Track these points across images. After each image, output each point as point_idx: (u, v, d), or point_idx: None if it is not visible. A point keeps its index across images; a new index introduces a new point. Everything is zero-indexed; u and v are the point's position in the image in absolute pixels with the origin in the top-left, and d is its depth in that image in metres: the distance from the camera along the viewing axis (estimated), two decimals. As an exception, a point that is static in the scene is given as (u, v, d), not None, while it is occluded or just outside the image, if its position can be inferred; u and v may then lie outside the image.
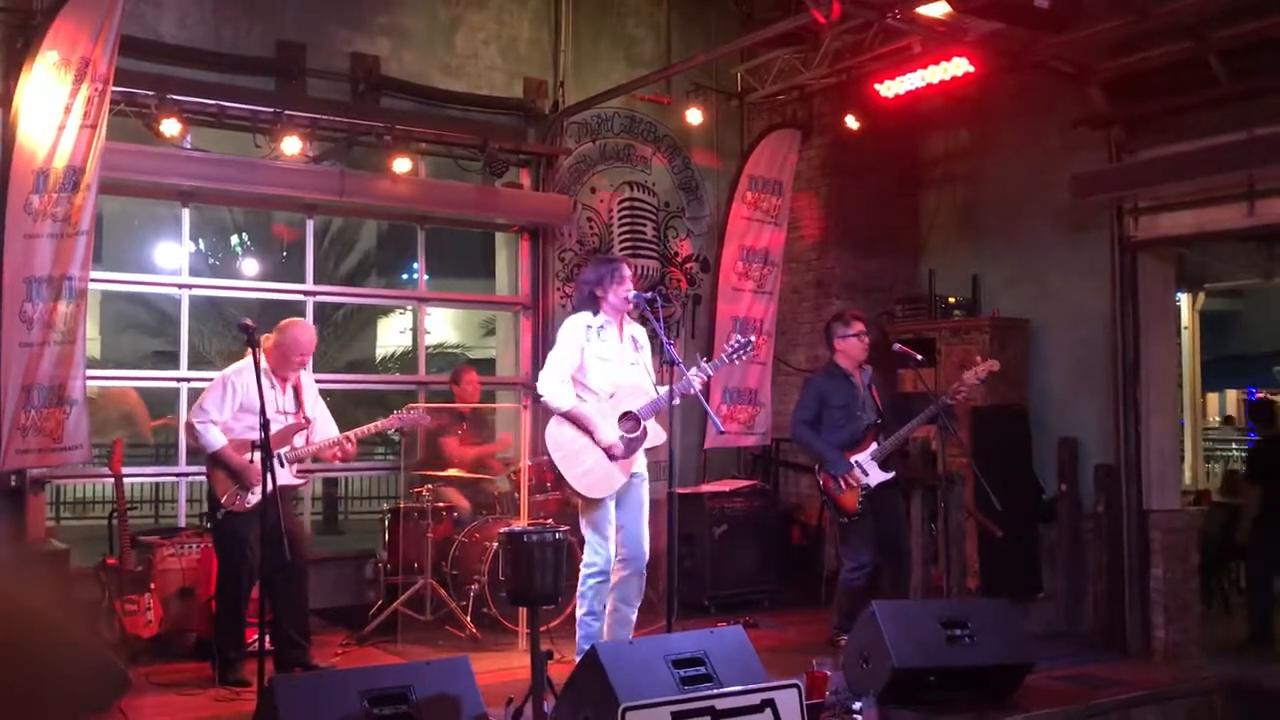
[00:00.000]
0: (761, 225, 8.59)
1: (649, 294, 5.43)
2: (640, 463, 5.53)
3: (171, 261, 15.36)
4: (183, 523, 7.42)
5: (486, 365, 12.41)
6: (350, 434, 5.91)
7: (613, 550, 5.41)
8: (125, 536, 6.23)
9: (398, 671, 4.37)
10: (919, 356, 6.37)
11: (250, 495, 5.59)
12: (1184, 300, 10.98)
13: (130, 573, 6.17)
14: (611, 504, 5.41)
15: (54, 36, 5.76)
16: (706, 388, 6.13)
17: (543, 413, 5.60)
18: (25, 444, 5.81)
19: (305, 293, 8.04)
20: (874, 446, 6.30)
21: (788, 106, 9.02)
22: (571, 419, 5.39)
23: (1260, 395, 16.29)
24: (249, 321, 5.01)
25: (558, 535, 4.63)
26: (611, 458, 5.35)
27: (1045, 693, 5.64)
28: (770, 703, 4.22)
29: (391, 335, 19.68)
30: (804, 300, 9.10)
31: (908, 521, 6.60)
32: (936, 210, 8.92)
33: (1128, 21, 6.64)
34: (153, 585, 6.23)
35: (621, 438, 5.36)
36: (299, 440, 5.81)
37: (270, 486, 4.73)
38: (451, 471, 7.34)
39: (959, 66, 7.15)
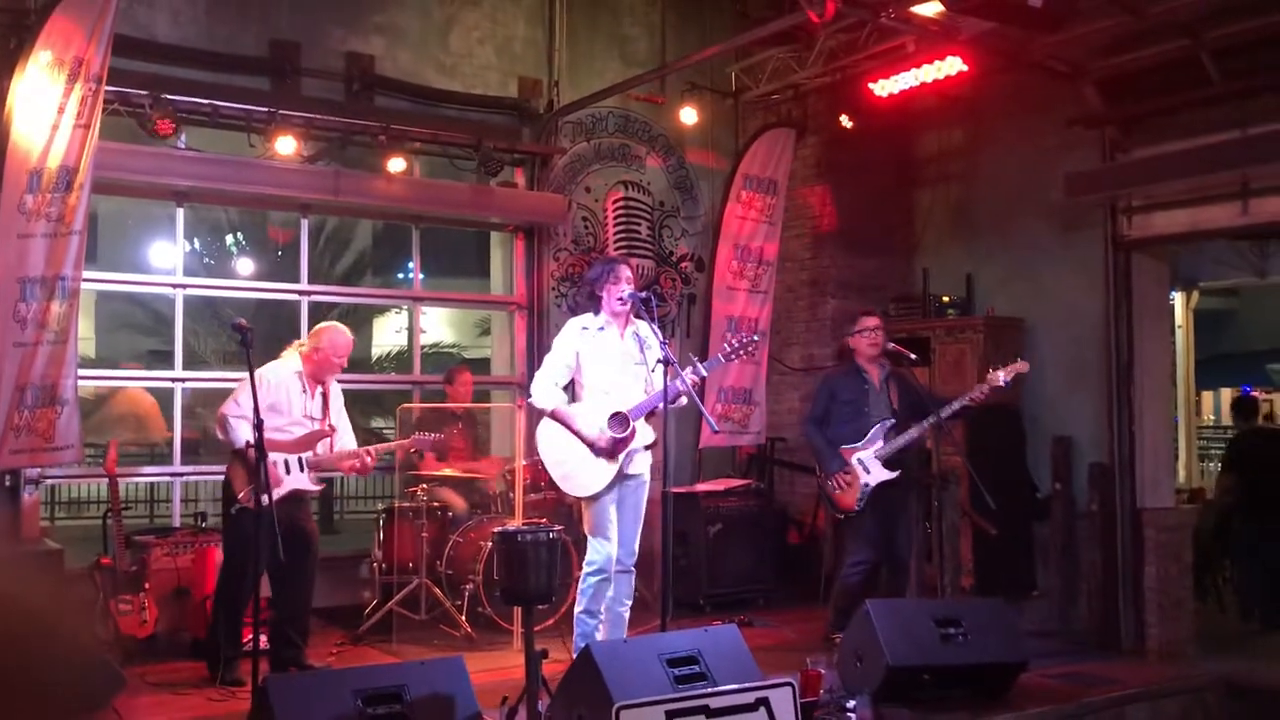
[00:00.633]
0: (756, 224, 8.60)
1: (643, 294, 5.45)
2: (642, 464, 5.53)
3: (166, 261, 15.31)
4: (177, 522, 7.42)
5: (481, 365, 12.41)
6: (370, 449, 5.92)
7: (614, 550, 5.42)
8: (120, 536, 6.23)
9: (392, 671, 4.38)
10: (913, 356, 6.35)
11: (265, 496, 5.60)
12: (1178, 299, 11.01)
13: (125, 573, 6.17)
14: (611, 504, 5.43)
15: (47, 36, 5.75)
16: (701, 387, 6.13)
17: (536, 415, 5.62)
18: (19, 444, 5.80)
19: (300, 292, 8.04)
20: (879, 445, 6.22)
21: (782, 106, 9.03)
22: (555, 419, 5.42)
23: (1253, 393, 16.31)
24: (243, 322, 5.01)
25: (552, 535, 4.64)
26: (596, 450, 5.36)
27: (1039, 691, 5.65)
28: (764, 701, 4.23)
29: (387, 335, 19.67)
30: (799, 299, 9.11)
31: (912, 527, 6.51)
32: (931, 209, 8.93)
33: (1121, 21, 6.65)
34: (147, 585, 6.23)
35: (603, 434, 5.36)
36: (321, 447, 5.82)
37: (280, 489, 4.74)
38: (446, 471, 7.34)
39: (953, 66, 7.16)
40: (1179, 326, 11.00)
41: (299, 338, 7.86)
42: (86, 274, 6.17)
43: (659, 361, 5.26)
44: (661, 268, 9.06)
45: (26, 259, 5.76)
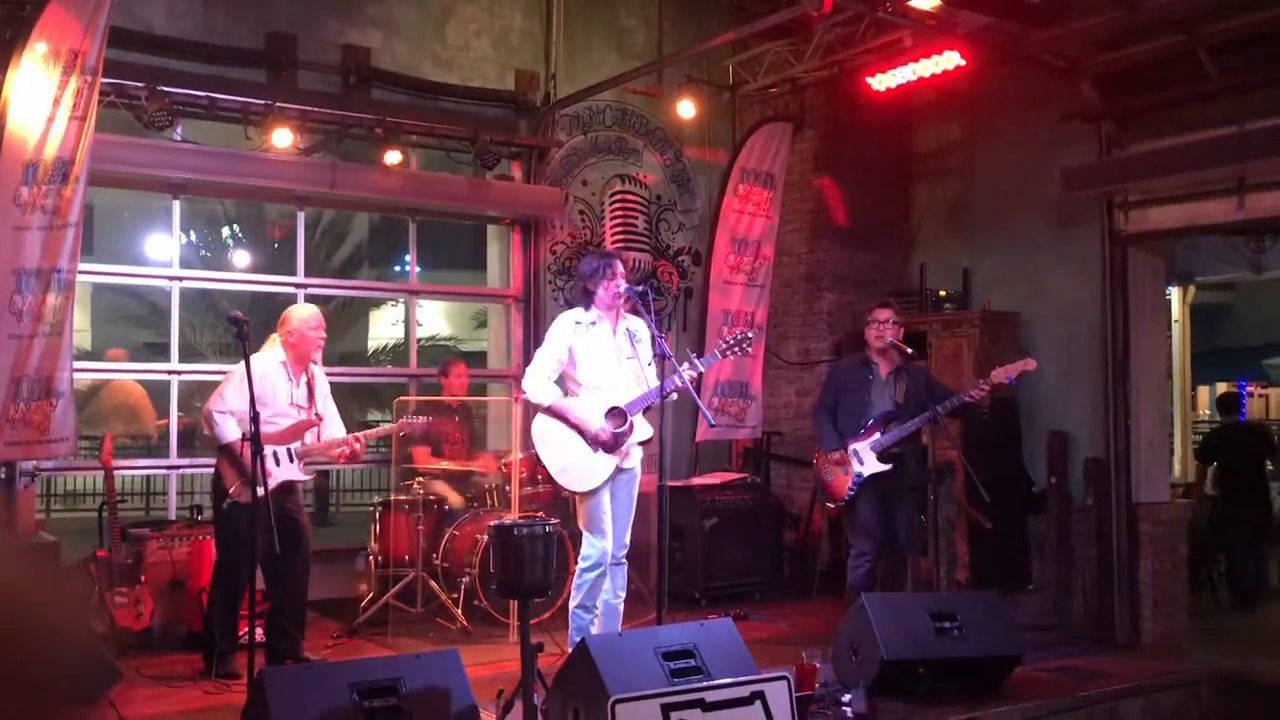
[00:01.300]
0: (753, 218, 8.59)
1: (640, 288, 5.45)
2: (635, 458, 5.54)
3: (162, 253, 15.30)
4: (173, 515, 7.42)
5: (478, 358, 12.40)
6: (359, 435, 5.92)
7: (610, 544, 5.42)
8: (116, 529, 6.23)
9: (388, 664, 4.37)
10: (910, 350, 6.34)
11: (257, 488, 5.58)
12: (1174, 294, 11.00)
13: (121, 565, 6.17)
14: (606, 498, 5.43)
15: (43, 28, 5.72)
16: (698, 382, 6.13)
17: (531, 408, 5.61)
18: (14, 436, 5.79)
19: (297, 285, 8.03)
20: (876, 436, 6.18)
21: (779, 99, 9.02)
22: (553, 414, 5.42)
23: (1247, 388, 16.37)
24: (240, 314, 5.00)
25: (548, 528, 4.63)
26: (598, 445, 5.36)
27: (1034, 684, 5.67)
28: (760, 695, 4.24)
29: (383, 328, 19.66)
30: (795, 293, 9.11)
31: (913, 520, 6.49)
32: (928, 203, 8.93)
33: (1118, 16, 6.66)
34: (143, 578, 6.24)
35: (604, 428, 5.37)
36: (309, 437, 5.81)
37: (271, 480, 4.74)
38: (443, 464, 7.34)
39: (950, 60, 7.16)
40: (1175, 321, 10.99)
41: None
42: (82, 266, 6.15)
43: (656, 356, 5.26)
44: (658, 261, 9.06)
45: (22, 251, 5.74)
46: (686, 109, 8.67)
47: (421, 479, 7.27)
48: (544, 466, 5.60)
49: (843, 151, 8.85)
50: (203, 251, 15.11)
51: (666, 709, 4.03)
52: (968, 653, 5.33)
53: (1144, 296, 7.42)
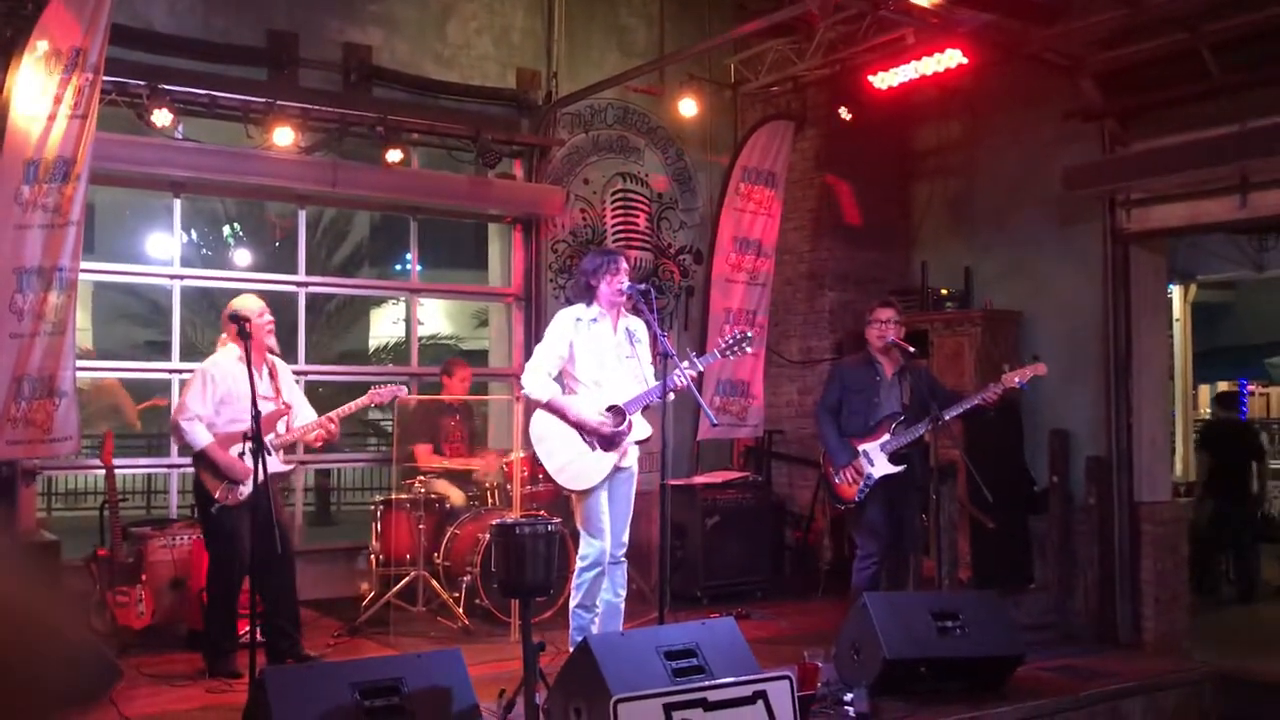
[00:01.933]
0: (755, 216, 8.59)
1: (642, 286, 5.42)
2: (632, 457, 5.53)
3: (163, 252, 15.29)
4: (174, 514, 7.42)
5: (479, 356, 12.40)
6: (331, 414, 5.86)
7: (608, 543, 5.41)
8: (116, 528, 6.22)
9: (389, 663, 4.38)
10: (912, 349, 6.33)
11: (242, 488, 5.56)
12: (1175, 292, 11.00)
13: (122, 564, 6.16)
14: (604, 497, 5.42)
15: (44, 26, 5.72)
16: (699, 380, 6.11)
17: (531, 405, 5.60)
18: (16, 435, 5.79)
19: (298, 283, 8.03)
20: (885, 438, 6.13)
21: (781, 98, 9.01)
22: (552, 410, 5.40)
23: (1248, 387, 16.36)
24: (242, 312, 5.00)
25: (550, 527, 4.63)
26: (597, 438, 5.35)
27: (1036, 683, 5.66)
28: (762, 694, 4.23)
29: (384, 326, 19.67)
30: (797, 292, 9.11)
31: (917, 520, 6.47)
32: (929, 202, 8.92)
33: (1120, 14, 6.65)
34: (144, 576, 6.23)
35: (604, 421, 5.36)
36: (281, 426, 5.79)
37: (262, 477, 4.73)
38: (444, 463, 7.34)
39: (952, 58, 7.14)
40: (1176, 320, 11.00)
41: (296, 329, 7.89)
42: (83, 265, 6.15)
43: (658, 355, 5.24)
44: (659, 260, 9.05)
45: (23, 250, 5.74)
46: (688, 107, 8.66)
47: (423, 478, 7.26)
48: (543, 464, 5.59)
49: (844, 150, 8.84)
50: (204, 250, 15.11)
51: (669, 708, 4.03)
52: (970, 652, 5.33)
53: (1146, 295, 7.41)
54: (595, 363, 5.45)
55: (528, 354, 8.04)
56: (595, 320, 5.50)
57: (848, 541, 8.14)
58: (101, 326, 17.26)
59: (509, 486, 6.93)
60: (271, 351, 5.88)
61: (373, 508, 7.38)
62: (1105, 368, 7.36)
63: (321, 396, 6.62)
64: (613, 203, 8.86)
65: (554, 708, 4.45)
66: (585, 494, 5.40)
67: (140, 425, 13.68)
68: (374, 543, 7.15)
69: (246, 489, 5.51)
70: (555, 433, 5.40)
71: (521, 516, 6.18)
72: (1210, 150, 6.60)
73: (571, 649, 4.95)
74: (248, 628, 5.45)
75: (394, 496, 7.14)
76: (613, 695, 3.98)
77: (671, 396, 5.35)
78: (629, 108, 8.91)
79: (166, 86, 6.76)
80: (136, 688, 5.39)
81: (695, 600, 7.56)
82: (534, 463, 6.80)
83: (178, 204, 7.58)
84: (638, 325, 5.58)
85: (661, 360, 5.20)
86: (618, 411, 5.38)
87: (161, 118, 6.71)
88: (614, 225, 8.85)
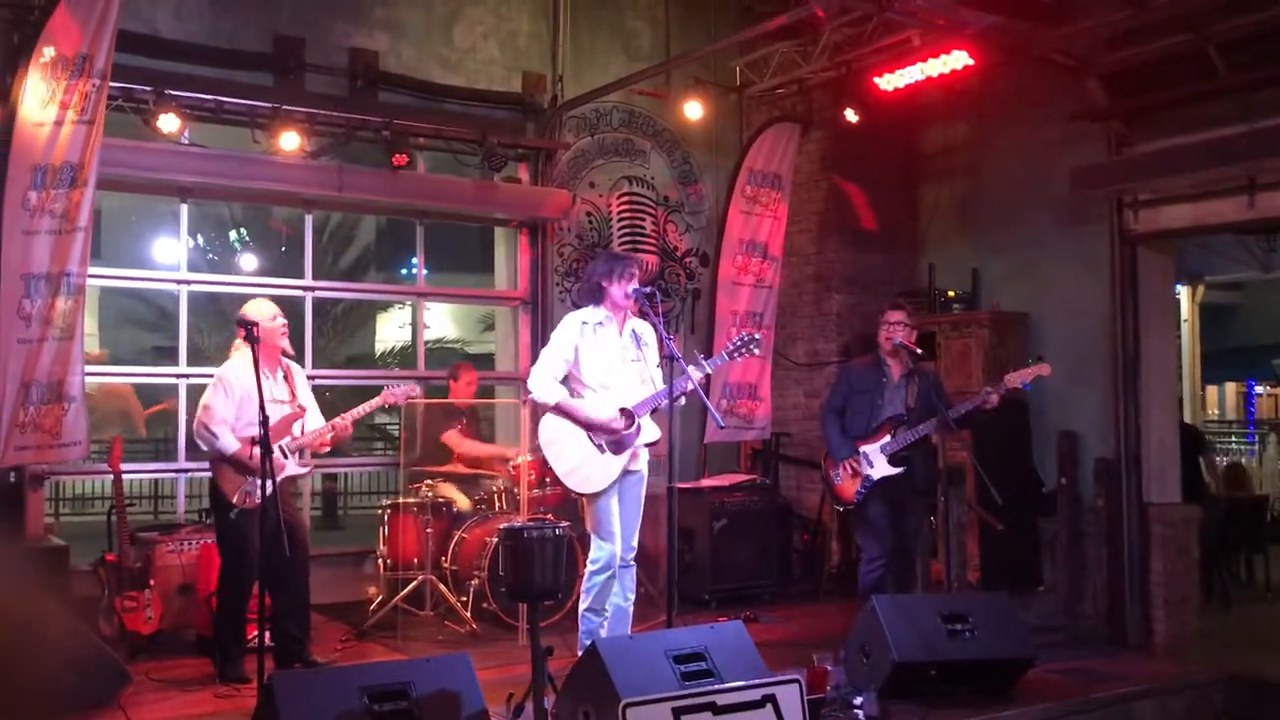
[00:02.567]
0: (761, 219, 8.58)
1: (648, 288, 5.41)
2: (642, 460, 5.52)
3: (170, 257, 15.35)
4: (182, 519, 7.42)
5: (485, 360, 12.41)
6: (344, 416, 5.86)
7: (618, 547, 5.40)
8: (125, 533, 6.23)
9: (398, 668, 4.37)
10: (919, 350, 6.31)
11: (259, 491, 5.57)
12: (1183, 293, 10.98)
13: (130, 569, 6.17)
14: (614, 500, 5.41)
15: (52, 32, 5.74)
16: (706, 383, 6.10)
17: (539, 410, 5.59)
18: (24, 440, 5.80)
19: (304, 288, 8.04)
20: (886, 439, 6.13)
21: (787, 100, 9.00)
22: (560, 413, 5.39)
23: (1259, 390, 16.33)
24: (250, 317, 5.00)
25: (558, 531, 4.63)
26: (609, 437, 5.34)
27: (1045, 687, 5.64)
28: (771, 698, 4.23)
29: (390, 330, 19.68)
30: (803, 294, 9.09)
31: (922, 523, 6.43)
32: (936, 204, 8.91)
33: (1126, 14, 6.63)
34: (152, 582, 6.23)
35: (614, 420, 5.35)
36: (296, 429, 5.80)
37: (272, 483, 4.74)
38: (451, 467, 7.34)
39: (958, 60, 7.14)
40: (1184, 321, 10.98)
41: (304, 334, 7.88)
42: (91, 270, 6.16)
43: (665, 358, 5.23)
44: (665, 263, 9.05)
45: (31, 256, 5.75)
46: (694, 110, 8.65)
47: (430, 482, 7.26)
48: (551, 468, 5.58)
49: (850, 152, 8.83)
50: (210, 255, 15.13)
51: (678, 712, 4.01)
52: (979, 655, 5.31)
53: (1153, 296, 7.39)
54: (602, 366, 5.44)
55: (534, 358, 8.04)
56: (601, 324, 5.49)
57: (855, 545, 8.13)
58: (108, 332, 17.32)
59: (516, 490, 6.93)
60: (286, 354, 5.88)
61: (380, 512, 7.38)
62: (1113, 369, 7.33)
63: (328, 401, 6.62)
64: (619, 206, 8.86)
65: (563, 712, 4.44)
66: (595, 497, 5.39)
67: (146, 431, 13.73)
68: (381, 547, 7.15)
69: (268, 488, 5.50)
70: (564, 436, 5.38)
71: (529, 520, 6.17)
72: (1218, 150, 6.58)
73: (580, 653, 4.94)
74: (255, 633, 5.47)
75: (401, 500, 7.13)
76: (621, 699, 3.97)
77: (681, 400, 5.35)
78: (634, 111, 8.91)
79: (173, 92, 6.77)
80: (145, 693, 5.41)
81: (703, 603, 7.55)
82: (541, 466, 6.81)
83: (184, 209, 7.59)
84: (644, 328, 5.57)
85: (668, 363, 5.19)
86: (627, 414, 5.37)
87: (168, 123, 6.72)
88: (620, 228, 8.85)
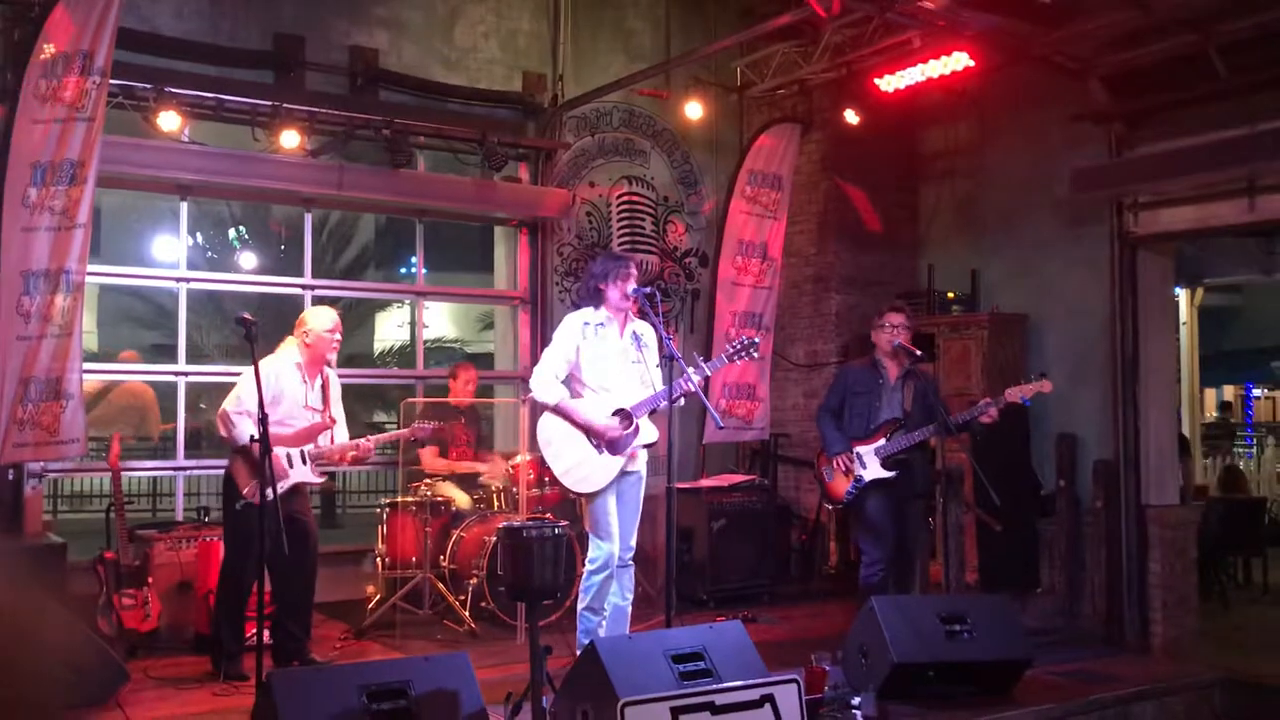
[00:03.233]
0: (761, 220, 8.58)
1: (648, 289, 5.42)
2: (639, 461, 5.52)
3: (169, 255, 15.35)
4: (180, 516, 7.42)
5: (485, 360, 12.41)
6: (370, 438, 5.93)
7: (616, 546, 5.40)
8: (123, 530, 6.22)
9: (397, 666, 4.36)
10: (919, 352, 6.31)
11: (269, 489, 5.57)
12: (1183, 295, 10.98)
13: (128, 567, 6.16)
14: (612, 500, 5.41)
15: (52, 29, 5.74)
16: (705, 384, 6.10)
17: (538, 410, 5.59)
18: (22, 437, 5.79)
19: (304, 286, 8.03)
20: (881, 442, 6.13)
21: (787, 101, 9.00)
22: (559, 413, 5.39)
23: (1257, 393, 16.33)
24: (248, 316, 5.00)
25: (557, 530, 4.62)
26: (606, 440, 5.34)
27: (1044, 688, 5.64)
28: (770, 698, 4.22)
29: (389, 329, 19.68)
30: (803, 295, 9.09)
31: (922, 525, 6.42)
32: (936, 205, 8.91)
33: (1129, 16, 6.62)
34: (151, 579, 6.22)
35: (611, 424, 5.35)
36: (324, 440, 5.80)
37: (282, 483, 4.75)
38: (450, 466, 7.34)
39: (959, 61, 7.14)
40: (1184, 323, 10.97)
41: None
42: (90, 268, 6.15)
43: (665, 358, 5.23)
44: (665, 263, 9.05)
45: (30, 252, 5.75)
46: (694, 110, 8.66)
47: (429, 480, 7.26)
48: (549, 468, 5.58)
49: (851, 153, 8.83)
50: (209, 253, 15.13)
51: (676, 712, 4.01)
52: (978, 656, 5.30)
53: (1153, 298, 7.39)
54: (602, 367, 5.44)
55: (534, 357, 8.07)
56: (603, 324, 5.49)
57: (853, 545, 8.13)
58: (107, 329, 17.30)
59: (515, 489, 6.93)
60: (329, 364, 5.92)
61: (379, 510, 7.37)
62: (1113, 371, 7.34)
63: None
64: (618, 205, 8.86)
65: (561, 711, 4.44)
66: (593, 497, 5.39)
67: (158, 439, 13.70)
68: (380, 545, 7.15)
69: (279, 489, 5.50)
70: (562, 436, 5.39)
71: (528, 519, 6.17)
72: (1219, 153, 6.58)
73: (578, 652, 4.94)
74: (254, 630, 5.46)
75: (400, 499, 7.13)
76: (620, 698, 3.96)
77: (681, 401, 5.35)
78: (635, 111, 8.91)
79: (173, 90, 6.77)
80: (143, 691, 5.40)
81: (701, 603, 7.55)
82: (540, 466, 6.80)
83: (184, 207, 7.58)
84: (645, 329, 5.57)
85: (667, 364, 5.19)
86: (625, 415, 5.37)
87: (168, 121, 6.72)
88: (620, 228, 8.85)
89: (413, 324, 10.72)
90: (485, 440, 7.84)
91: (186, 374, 7.62)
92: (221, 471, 5.88)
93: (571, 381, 5.50)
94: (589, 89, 8.39)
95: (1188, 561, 7.26)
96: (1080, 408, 7.61)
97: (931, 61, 7.29)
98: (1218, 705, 6.20)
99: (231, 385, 5.81)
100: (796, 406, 9.07)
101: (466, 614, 6.63)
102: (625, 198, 8.90)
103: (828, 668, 5.13)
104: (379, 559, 7.16)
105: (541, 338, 8.13)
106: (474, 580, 6.66)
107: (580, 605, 5.47)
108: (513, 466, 7.08)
